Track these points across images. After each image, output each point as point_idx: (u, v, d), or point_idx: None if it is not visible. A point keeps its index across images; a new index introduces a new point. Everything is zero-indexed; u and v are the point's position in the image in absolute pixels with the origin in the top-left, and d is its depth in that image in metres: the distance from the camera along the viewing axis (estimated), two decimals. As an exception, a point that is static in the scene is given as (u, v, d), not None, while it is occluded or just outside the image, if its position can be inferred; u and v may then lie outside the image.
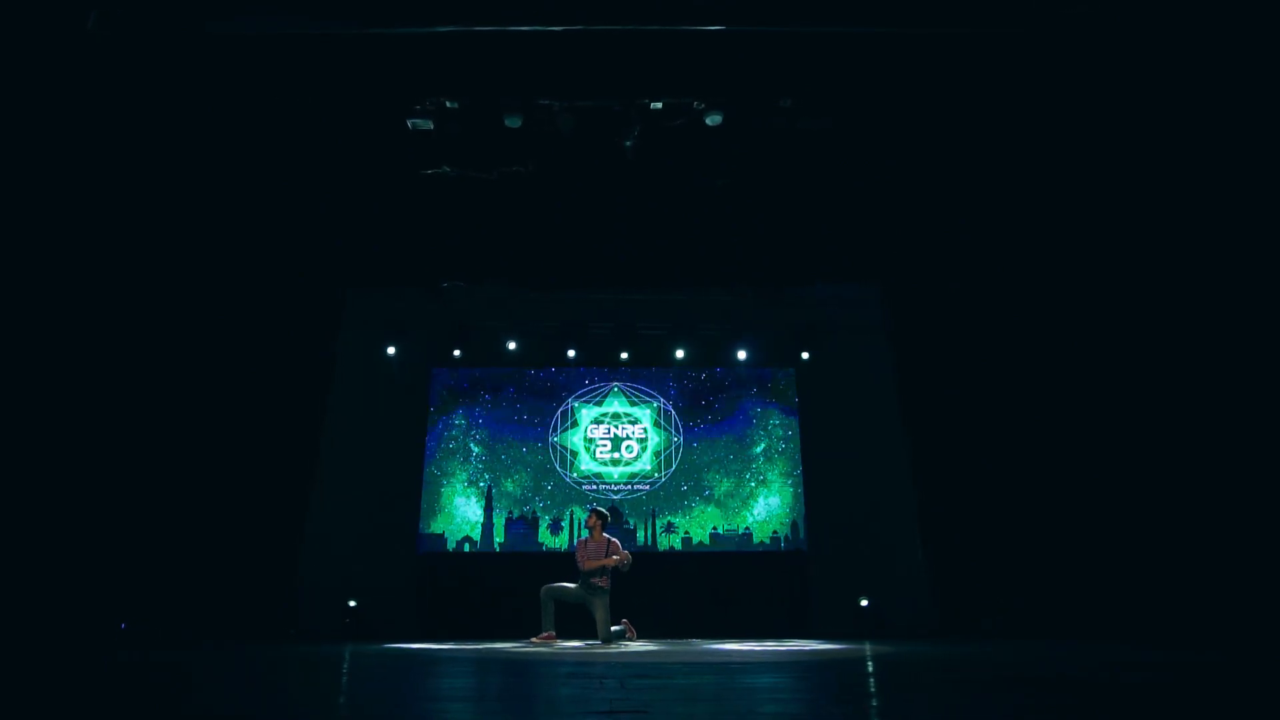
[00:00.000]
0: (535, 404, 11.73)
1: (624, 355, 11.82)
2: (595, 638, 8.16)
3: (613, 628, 8.20)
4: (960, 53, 7.74)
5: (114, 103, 7.03)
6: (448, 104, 8.34)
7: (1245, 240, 7.53)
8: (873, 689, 2.50)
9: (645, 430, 11.63)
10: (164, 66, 6.89)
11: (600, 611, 8.10)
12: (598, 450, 11.54)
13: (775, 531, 11.14)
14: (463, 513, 11.26)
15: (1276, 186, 7.08)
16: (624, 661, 4.29)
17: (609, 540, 8.53)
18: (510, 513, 11.24)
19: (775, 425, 11.59)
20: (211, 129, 8.18)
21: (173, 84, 7.19)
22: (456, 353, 11.84)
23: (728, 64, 7.99)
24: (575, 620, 8.64)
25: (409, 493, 11.35)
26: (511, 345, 11.82)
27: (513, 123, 8.44)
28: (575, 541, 8.58)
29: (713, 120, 8.46)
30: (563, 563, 10.58)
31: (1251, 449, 7.24)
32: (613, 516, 11.18)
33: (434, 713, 2.08)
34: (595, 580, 8.21)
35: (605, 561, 8.24)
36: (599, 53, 7.86)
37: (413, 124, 8.47)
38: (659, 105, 8.43)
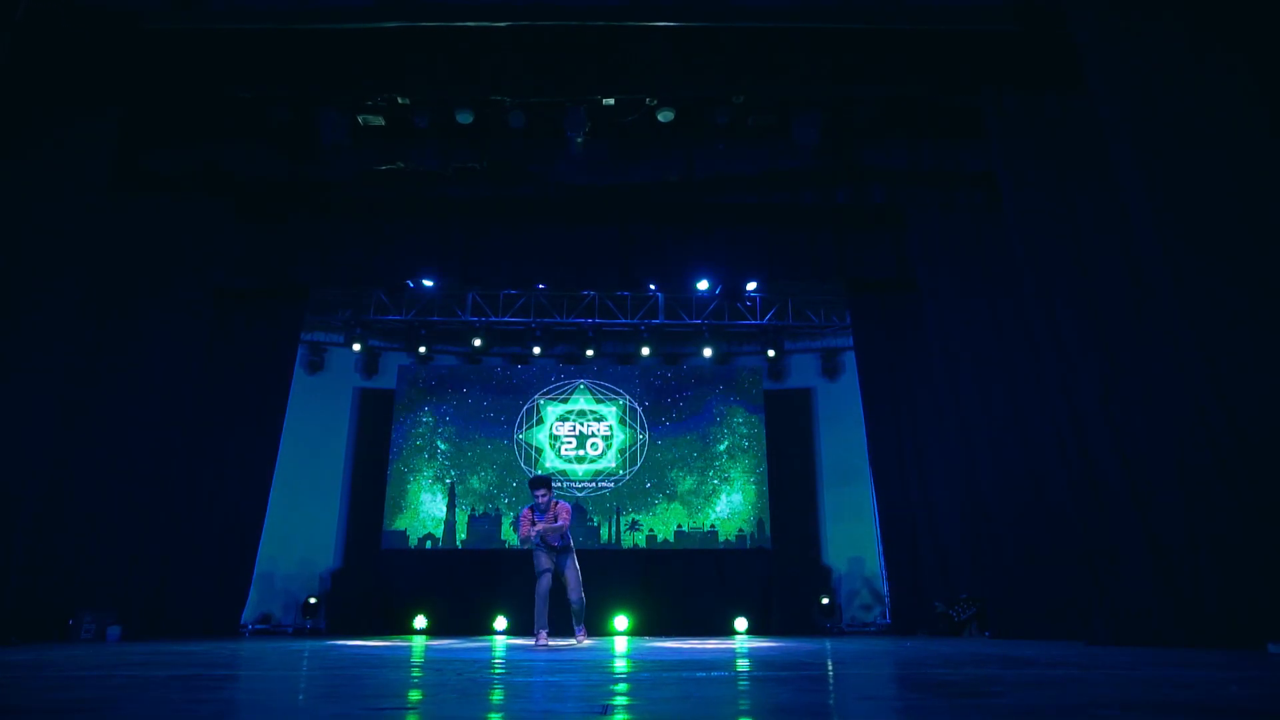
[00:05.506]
0: (501, 401, 11.72)
1: (589, 352, 11.82)
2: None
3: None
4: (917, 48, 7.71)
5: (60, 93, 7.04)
6: (399, 100, 8.33)
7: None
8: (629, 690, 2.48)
9: (611, 428, 11.62)
10: (105, 60, 6.90)
11: (574, 571, 7.11)
12: (563, 447, 11.53)
13: (741, 529, 11.12)
14: (427, 509, 11.26)
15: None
16: (531, 658, 4.28)
17: (555, 502, 7.26)
18: (474, 510, 11.24)
19: (739, 423, 11.56)
20: (161, 121, 8.20)
21: (113, 77, 7.19)
22: (422, 349, 11.85)
23: (679, 60, 7.97)
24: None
25: (373, 489, 11.36)
26: (478, 342, 11.82)
27: (464, 118, 8.43)
28: (521, 516, 7.24)
29: (664, 116, 8.45)
30: (525, 559, 10.58)
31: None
32: (576, 514, 11.18)
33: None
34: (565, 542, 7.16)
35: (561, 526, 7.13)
36: (548, 49, 7.85)
37: (364, 120, 8.47)
38: (610, 101, 8.40)
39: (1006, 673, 3.05)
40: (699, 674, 3.03)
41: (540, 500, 6.94)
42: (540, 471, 11.33)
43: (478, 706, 2.09)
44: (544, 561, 6.80)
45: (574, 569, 6.99)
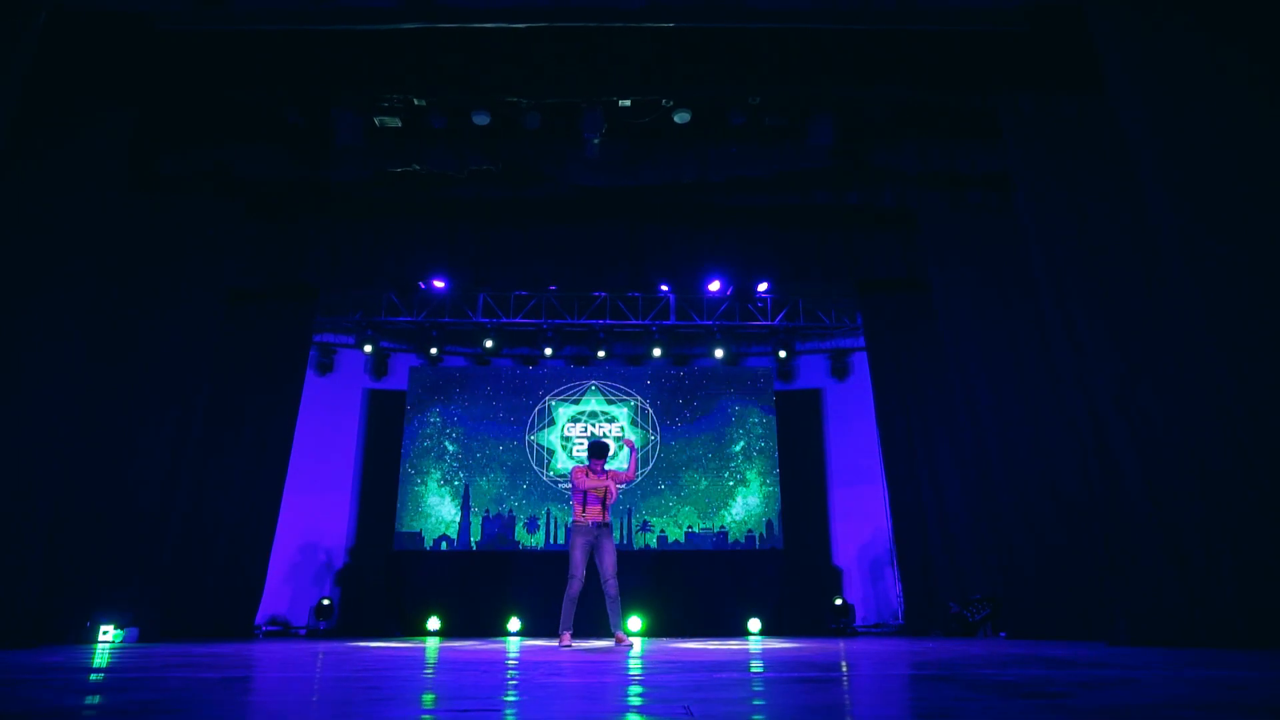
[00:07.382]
0: (512, 402, 11.73)
1: (600, 353, 11.82)
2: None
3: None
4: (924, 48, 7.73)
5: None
6: (415, 101, 8.33)
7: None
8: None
9: (622, 429, 11.63)
10: (123, 61, 6.91)
11: (612, 554, 6.86)
12: (574, 448, 11.53)
13: (751, 530, 11.13)
14: (438, 511, 11.26)
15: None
16: (574, 659, 4.30)
17: (606, 473, 7.12)
18: (487, 511, 11.24)
19: (754, 423, 11.57)
20: (175, 122, 8.20)
21: (130, 79, 7.20)
22: (433, 351, 11.85)
23: (696, 61, 7.98)
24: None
25: (384, 491, 11.36)
26: (489, 343, 11.81)
27: (480, 120, 8.44)
28: (575, 469, 6.91)
29: (681, 118, 8.47)
30: (538, 560, 10.60)
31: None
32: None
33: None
34: (605, 516, 6.95)
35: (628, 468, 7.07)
36: (565, 51, 7.87)
37: (380, 121, 8.47)
38: (627, 103, 8.42)
39: (1054, 673, 3.07)
40: (746, 675, 3.04)
41: (594, 464, 6.91)
42: (553, 473, 11.37)
43: (556, 707, 2.10)
44: (579, 559, 6.75)
45: (612, 550, 6.83)
